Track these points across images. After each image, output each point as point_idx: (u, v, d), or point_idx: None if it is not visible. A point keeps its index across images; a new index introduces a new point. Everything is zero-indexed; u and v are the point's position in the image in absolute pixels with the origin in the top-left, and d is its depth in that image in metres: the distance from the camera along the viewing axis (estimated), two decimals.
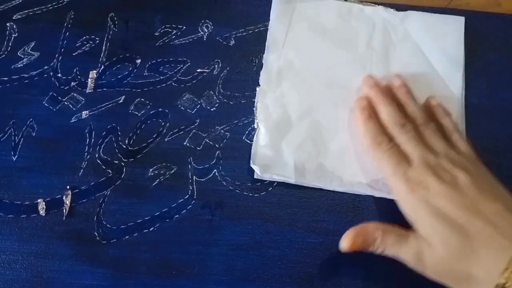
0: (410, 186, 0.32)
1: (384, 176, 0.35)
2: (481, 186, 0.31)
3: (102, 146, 0.37)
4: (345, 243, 0.32)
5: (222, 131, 0.38)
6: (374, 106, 0.36)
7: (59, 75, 0.39)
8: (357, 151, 0.37)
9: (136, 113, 0.38)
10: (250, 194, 0.36)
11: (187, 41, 0.40)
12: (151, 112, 0.38)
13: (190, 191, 0.36)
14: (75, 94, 0.38)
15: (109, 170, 0.36)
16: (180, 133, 0.38)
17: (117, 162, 0.37)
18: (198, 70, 0.40)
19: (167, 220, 0.35)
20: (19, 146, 0.37)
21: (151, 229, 0.35)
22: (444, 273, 0.30)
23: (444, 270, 0.30)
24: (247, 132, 0.38)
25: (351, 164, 0.37)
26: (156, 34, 0.40)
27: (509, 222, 0.29)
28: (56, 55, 0.39)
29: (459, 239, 0.29)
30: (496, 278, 0.28)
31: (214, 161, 0.37)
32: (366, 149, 0.36)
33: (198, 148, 0.37)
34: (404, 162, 0.33)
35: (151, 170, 0.36)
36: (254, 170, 0.36)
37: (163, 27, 0.41)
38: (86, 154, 0.37)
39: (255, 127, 0.37)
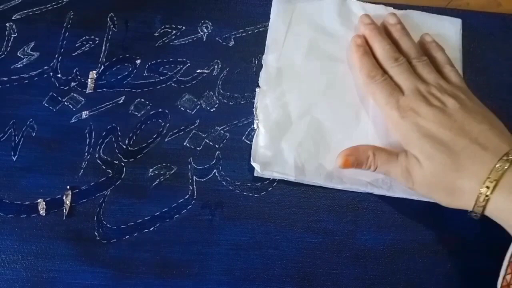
0: (402, 113, 0.34)
1: (379, 107, 0.36)
2: (469, 110, 0.33)
3: (102, 146, 0.37)
4: (339, 160, 0.35)
5: (222, 131, 0.38)
6: (370, 43, 0.38)
7: (59, 75, 0.39)
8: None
9: (136, 113, 0.38)
10: (250, 194, 0.36)
11: (186, 42, 0.40)
12: (151, 113, 0.38)
13: (190, 191, 0.36)
14: (75, 95, 0.38)
15: (109, 170, 0.36)
16: (180, 133, 0.38)
17: (117, 162, 0.37)
18: (198, 71, 0.40)
19: (167, 220, 0.35)
20: (19, 146, 0.37)
21: (151, 229, 0.35)
22: (430, 187, 0.33)
23: (431, 184, 0.33)
24: (246, 132, 0.38)
25: None
26: (156, 34, 0.40)
27: (492, 140, 0.32)
28: (56, 55, 0.39)
29: (445, 155, 0.32)
30: (478, 187, 0.30)
31: (214, 161, 0.37)
32: (362, 85, 0.38)
33: (198, 149, 0.37)
34: (397, 92, 0.35)
35: (151, 170, 0.37)
36: (253, 171, 0.36)
37: (163, 27, 0.41)
38: (86, 154, 0.37)
39: (255, 128, 0.38)
